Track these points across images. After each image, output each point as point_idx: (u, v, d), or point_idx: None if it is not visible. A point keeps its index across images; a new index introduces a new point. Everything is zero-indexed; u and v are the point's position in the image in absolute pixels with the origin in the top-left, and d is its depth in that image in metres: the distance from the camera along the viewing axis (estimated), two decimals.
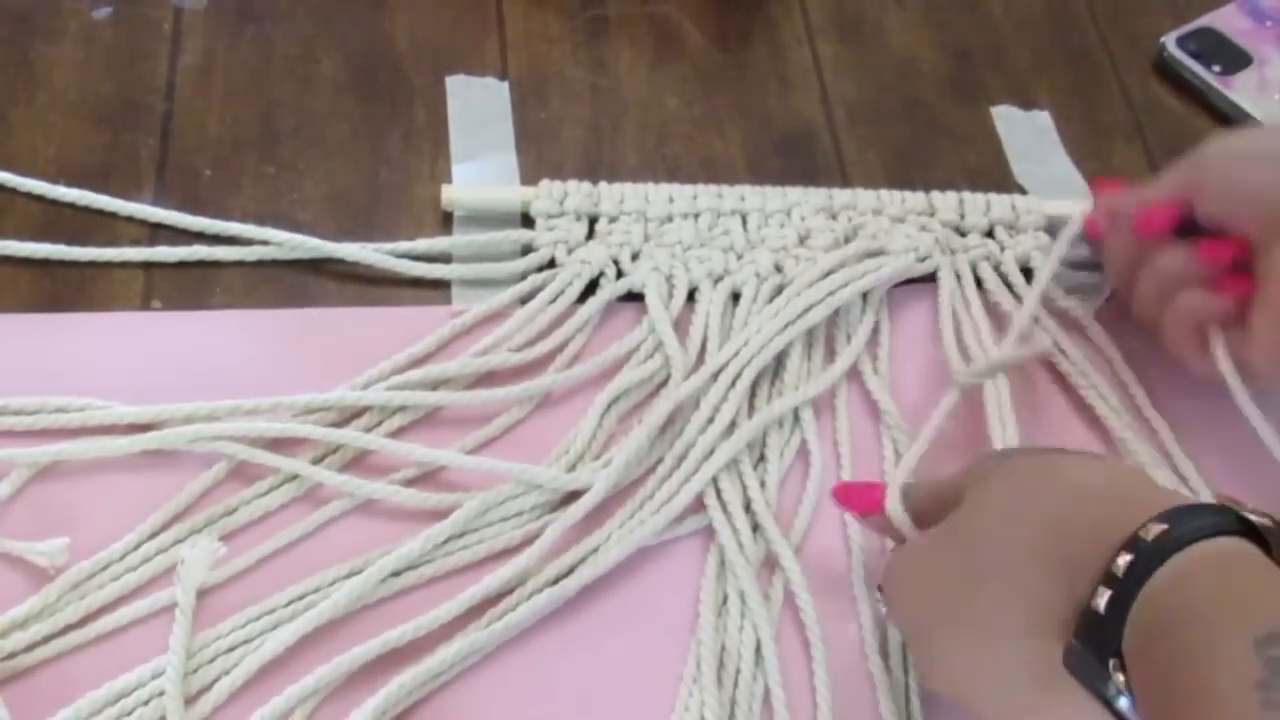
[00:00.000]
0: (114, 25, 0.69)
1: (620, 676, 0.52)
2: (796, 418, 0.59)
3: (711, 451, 0.56)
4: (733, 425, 0.57)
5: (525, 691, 0.51)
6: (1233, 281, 0.56)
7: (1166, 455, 0.60)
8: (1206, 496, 0.58)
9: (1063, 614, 0.42)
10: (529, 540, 0.54)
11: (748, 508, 0.56)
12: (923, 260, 0.63)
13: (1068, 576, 0.42)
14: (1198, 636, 0.38)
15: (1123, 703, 0.41)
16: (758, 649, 0.52)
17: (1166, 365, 0.60)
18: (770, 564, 0.55)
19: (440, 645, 0.50)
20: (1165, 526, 0.41)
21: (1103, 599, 0.41)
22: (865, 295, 0.63)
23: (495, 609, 0.52)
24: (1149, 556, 0.40)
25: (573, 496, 0.55)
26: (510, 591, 0.52)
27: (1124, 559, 0.41)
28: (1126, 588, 0.40)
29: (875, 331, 0.62)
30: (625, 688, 0.51)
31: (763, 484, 0.57)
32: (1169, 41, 0.75)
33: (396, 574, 0.52)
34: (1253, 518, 0.42)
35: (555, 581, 0.53)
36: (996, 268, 0.65)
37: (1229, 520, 0.41)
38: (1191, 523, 0.41)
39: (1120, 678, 0.40)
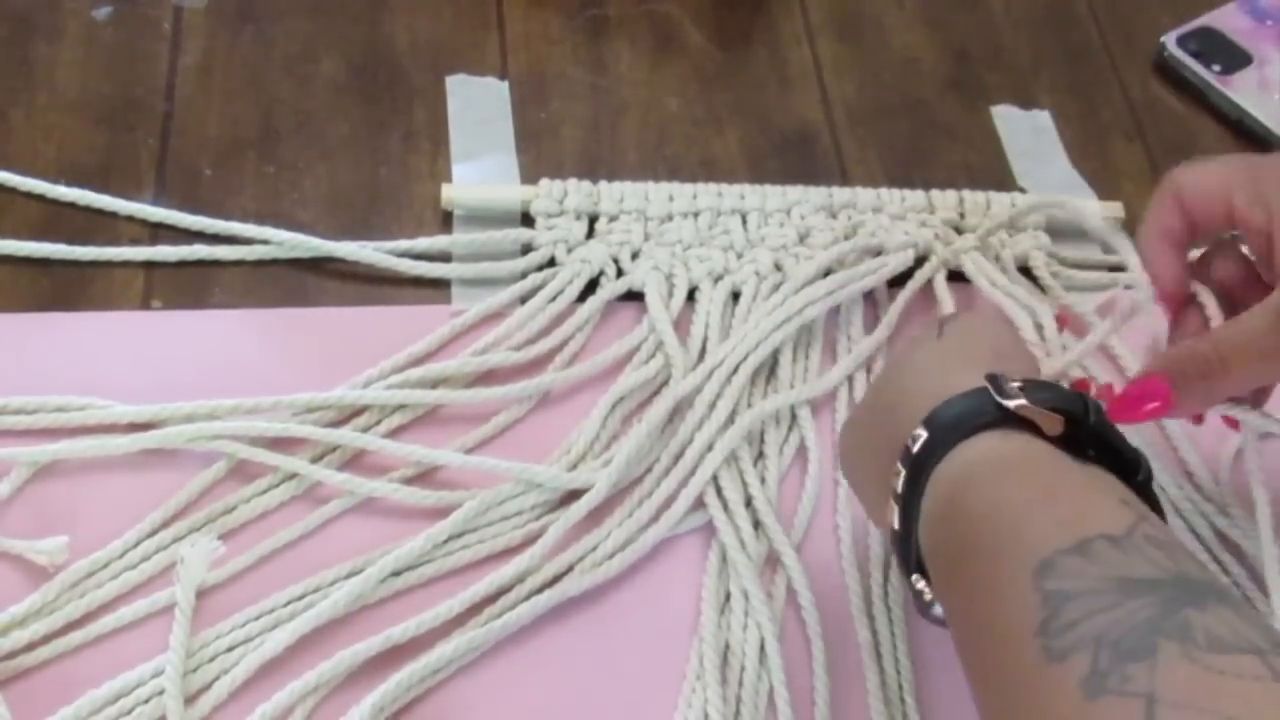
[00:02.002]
0: (114, 25, 0.69)
1: (622, 675, 0.52)
2: (794, 416, 0.59)
3: (710, 447, 0.56)
4: (730, 420, 0.57)
5: (527, 690, 0.51)
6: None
7: (1174, 451, 0.60)
8: (1219, 504, 0.58)
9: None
10: (529, 540, 0.54)
11: (748, 504, 0.56)
12: (923, 258, 0.63)
13: (880, 480, 0.43)
14: (983, 570, 0.37)
15: (936, 611, 0.41)
16: (761, 647, 0.52)
17: None
18: (772, 562, 0.55)
19: (441, 643, 0.50)
20: (925, 434, 0.40)
21: (894, 516, 0.41)
22: (866, 295, 0.63)
23: (494, 607, 0.52)
24: (916, 470, 0.40)
25: (573, 496, 0.55)
26: (511, 589, 0.52)
27: (900, 476, 0.41)
28: (907, 506, 0.40)
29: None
30: (627, 686, 0.51)
31: (763, 481, 0.57)
32: (1169, 41, 0.75)
33: (397, 573, 0.52)
34: (1008, 403, 0.40)
35: (555, 581, 0.53)
36: (995, 258, 0.65)
37: (983, 410, 0.40)
38: (946, 423, 0.40)
39: (925, 590, 0.41)
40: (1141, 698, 0.31)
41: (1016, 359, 0.45)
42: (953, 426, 0.40)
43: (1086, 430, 0.40)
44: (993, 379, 0.41)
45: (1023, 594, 0.35)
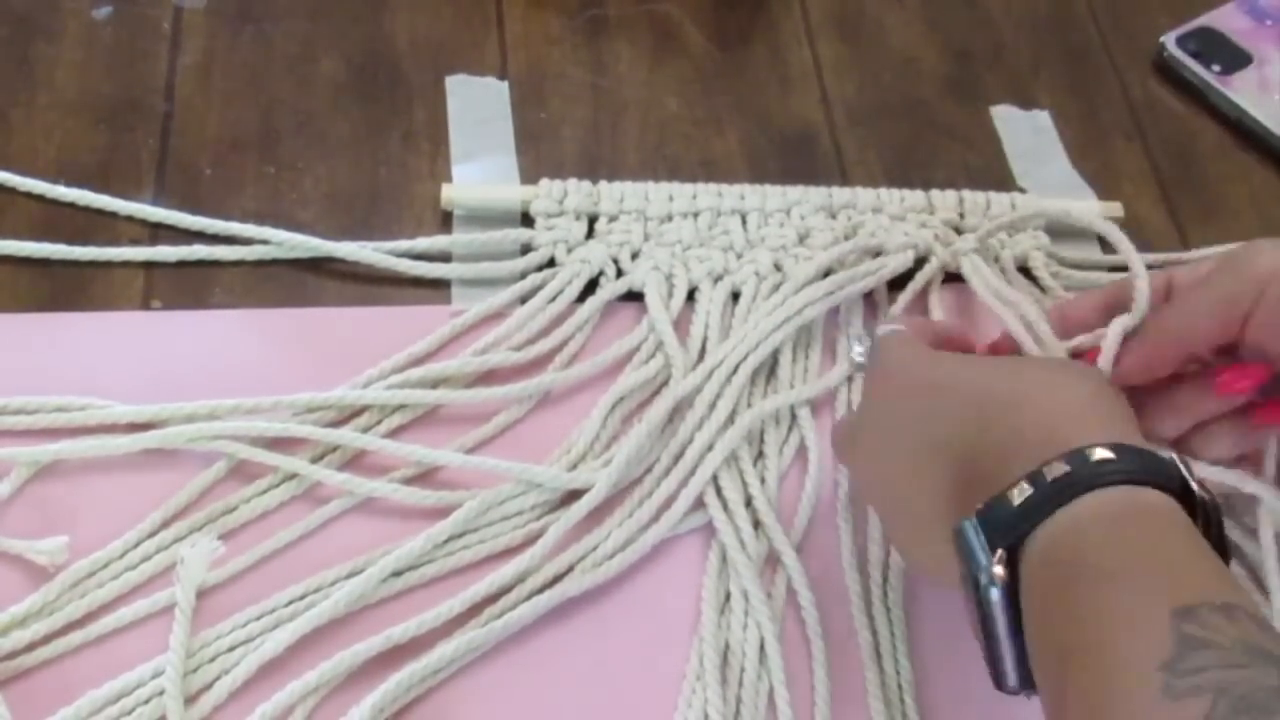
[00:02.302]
0: (114, 25, 0.69)
1: (621, 674, 0.52)
2: (794, 416, 0.59)
3: (710, 447, 0.56)
4: (730, 420, 0.57)
5: (527, 690, 0.51)
6: (1265, 410, 0.49)
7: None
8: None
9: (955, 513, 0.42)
10: (530, 540, 0.54)
11: (748, 504, 0.56)
12: (923, 259, 0.63)
13: (1000, 456, 0.42)
14: (1117, 598, 0.37)
15: (993, 594, 0.40)
16: (761, 647, 0.52)
17: None
18: (771, 562, 0.55)
19: (442, 642, 0.50)
20: (1110, 456, 0.40)
21: (1020, 493, 0.40)
22: (866, 295, 0.63)
23: (494, 607, 0.52)
24: (1077, 482, 0.39)
25: (573, 496, 0.55)
26: (511, 589, 0.52)
27: (1062, 469, 0.40)
28: (1047, 499, 0.40)
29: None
30: (626, 685, 0.51)
31: (763, 481, 0.57)
32: (1169, 41, 0.75)
33: (397, 574, 0.52)
34: (1194, 486, 0.40)
35: (555, 580, 0.53)
36: (995, 259, 0.65)
37: (1167, 477, 0.40)
38: (1128, 465, 0.40)
39: (998, 569, 0.40)
40: None
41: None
42: (1133, 462, 0.40)
43: (1213, 532, 0.41)
44: (1180, 455, 0.41)
45: (1158, 629, 0.35)
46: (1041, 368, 0.48)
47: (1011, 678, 0.41)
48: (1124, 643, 0.36)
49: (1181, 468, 0.41)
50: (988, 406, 0.44)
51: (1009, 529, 0.40)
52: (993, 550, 0.40)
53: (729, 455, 0.56)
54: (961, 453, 0.44)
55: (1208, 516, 0.41)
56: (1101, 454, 0.40)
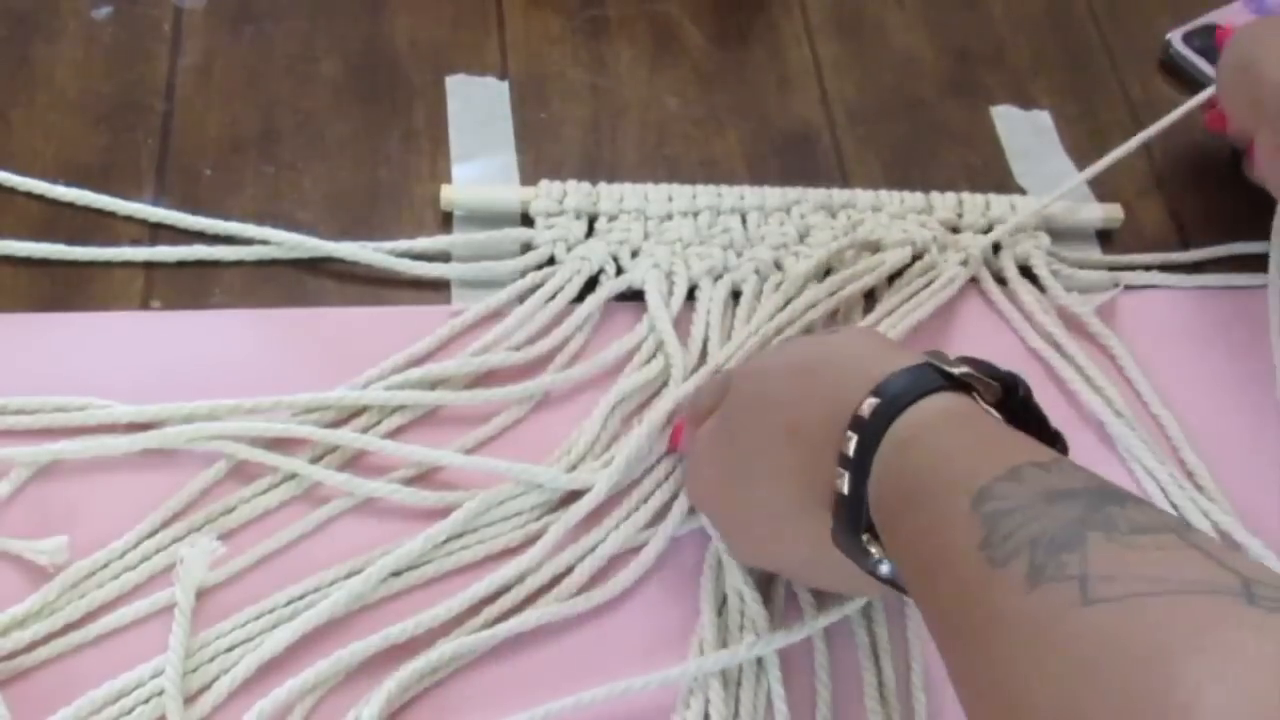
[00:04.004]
0: (114, 25, 0.69)
1: (621, 674, 0.51)
2: None
3: None
4: None
5: (526, 690, 0.51)
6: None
7: (1174, 451, 0.60)
8: (1221, 503, 0.58)
9: (822, 489, 0.45)
10: (529, 540, 0.54)
11: None
12: (919, 256, 0.63)
13: (814, 456, 0.45)
14: (928, 508, 0.40)
15: (884, 569, 0.44)
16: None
17: (1177, 362, 0.60)
18: None
19: (440, 642, 0.50)
20: (876, 400, 0.43)
21: (843, 481, 0.44)
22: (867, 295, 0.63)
23: (493, 607, 0.52)
24: (870, 434, 0.43)
25: (573, 496, 0.55)
26: (511, 589, 0.52)
27: (851, 441, 0.43)
28: (859, 467, 0.43)
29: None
30: (627, 686, 0.51)
31: None
32: (1174, 38, 0.75)
33: (397, 574, 0.52)
34: (953, 370, 0.44)
35: (556, 581, 0.53)
36: (996, 252, 0.65)
37: (930, 378, 0.44)
38: (897, 390, 0.43)
39: (875, 550, 0.44)
40: (1075, 579, 0.34)
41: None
42: (903, 392, 0.43)
43: (1016, 400, 0.45)
44: (935, 354, 0.45)
45: (964, 520, 0.38)
46: (807, 345, 0.51)
47: None
48: (944, 545, 0.39)
49: (933, 361, 0.44)
50: (794, 381, 0.48)
51: (857, 502, 0.43)
52: (859, 534, 0.44)
53: None
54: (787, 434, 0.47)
55: (984, 384, 0.44)
56: (870, 403, 0.43)
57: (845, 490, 0.43)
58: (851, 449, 0.43)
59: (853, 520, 0.44)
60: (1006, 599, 0.35)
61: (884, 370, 0.44)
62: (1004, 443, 0.41)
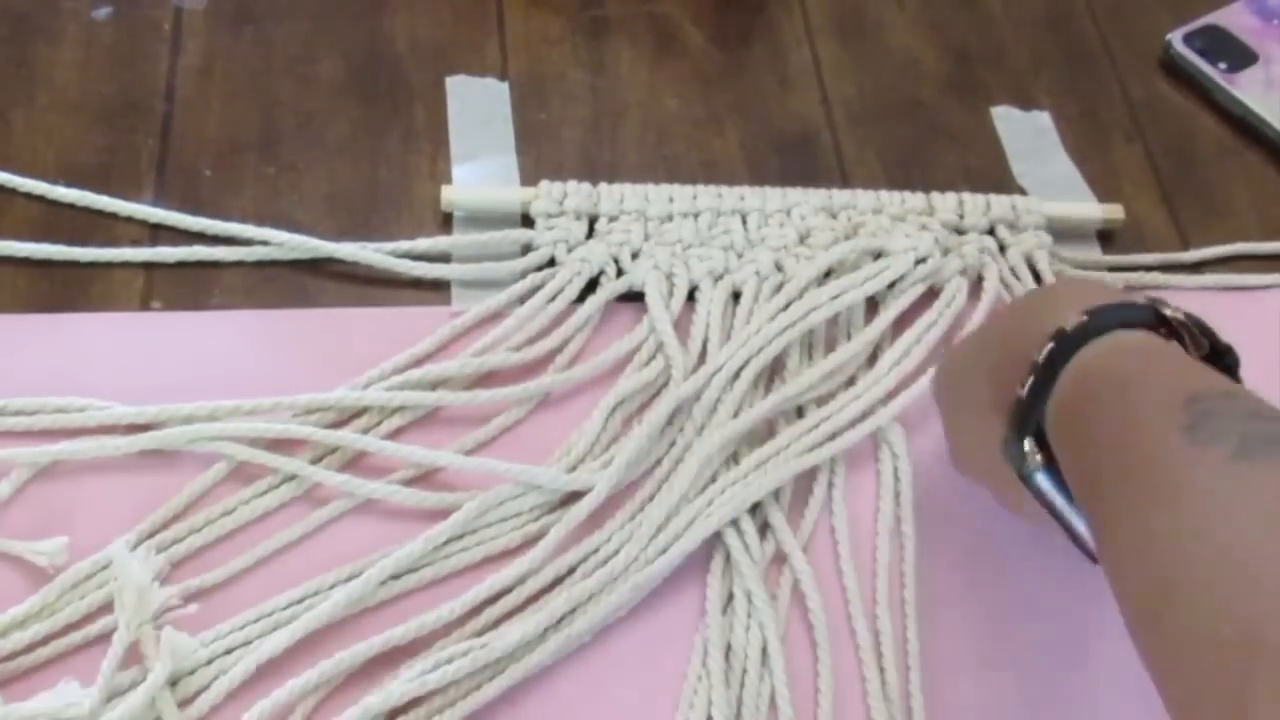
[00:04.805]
0: (114, 25, 0.69)
1: (623, 675, 0.52)
2: (801, 415, 0.59)
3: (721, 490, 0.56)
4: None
5: (528, 690, 0.51)
6: None
7: None
8: None
9: (1008, 396, 0.46)
10: (529, 541, 0.54)
11: (754, 509, 0.56)
12: (922, 260, 0.63)
13: (1015, 363, 0.46)
14: (1133, 396, 0.41)
15: (1039, 479, 0.45)
16: (763, 649, 0.52)
17: None
18: (776, 563, 0.55)
19: (441, 643, 0.50)
20: (1084, 318, 0.44)
21: (1025, 385, 0.45)
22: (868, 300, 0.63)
23: (494, 608, 0.52)
24: (1068, 342, 0.44)
25: (573, 497, 0.55)
26: (511, 591, 0.52)
27: (1046, 348, 0.44)
28: (1047, 371, 0.44)
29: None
30: (628, 686, 0.51)
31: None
32: (1175, 39, 0.75)
33: (396, 576, 0.52)
34: (1169, 313, 0.45)
35: (556, 583, 0.53)
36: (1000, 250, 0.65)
37: (1146, 314, 0.45)
38: (1109, 315, 0.44)
39: (1037, 456, 0.45)
40: None
41: None
42: (1110, 316, 0.44)
43: (1221, 366, 0.44)
44: (1152, 299, 0.46)
45: (1171, 411, 0.39)
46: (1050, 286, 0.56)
47: (1092, 544, 0.44)
48: (1144, 427, 0.39)
49: (1155, 304, 0.45)
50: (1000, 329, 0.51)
51: (1033, 406, 0.44)
52: (1023, 439, 0.45)
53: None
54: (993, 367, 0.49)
55: (1196, 338, 0.45)
56: (1077, 319, 0.44)
57: (1024, 393, 0.44)
58: (1043, 354, 0.44)
59: (1022, 423, 0.44)
60: (1211, 468, 0.36)
61: (1100, 301, 0.45)
62: (1214, 373, 0.42)
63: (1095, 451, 0.42)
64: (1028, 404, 0.45)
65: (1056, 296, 0.49)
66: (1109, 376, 0.43)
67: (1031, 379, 0.44)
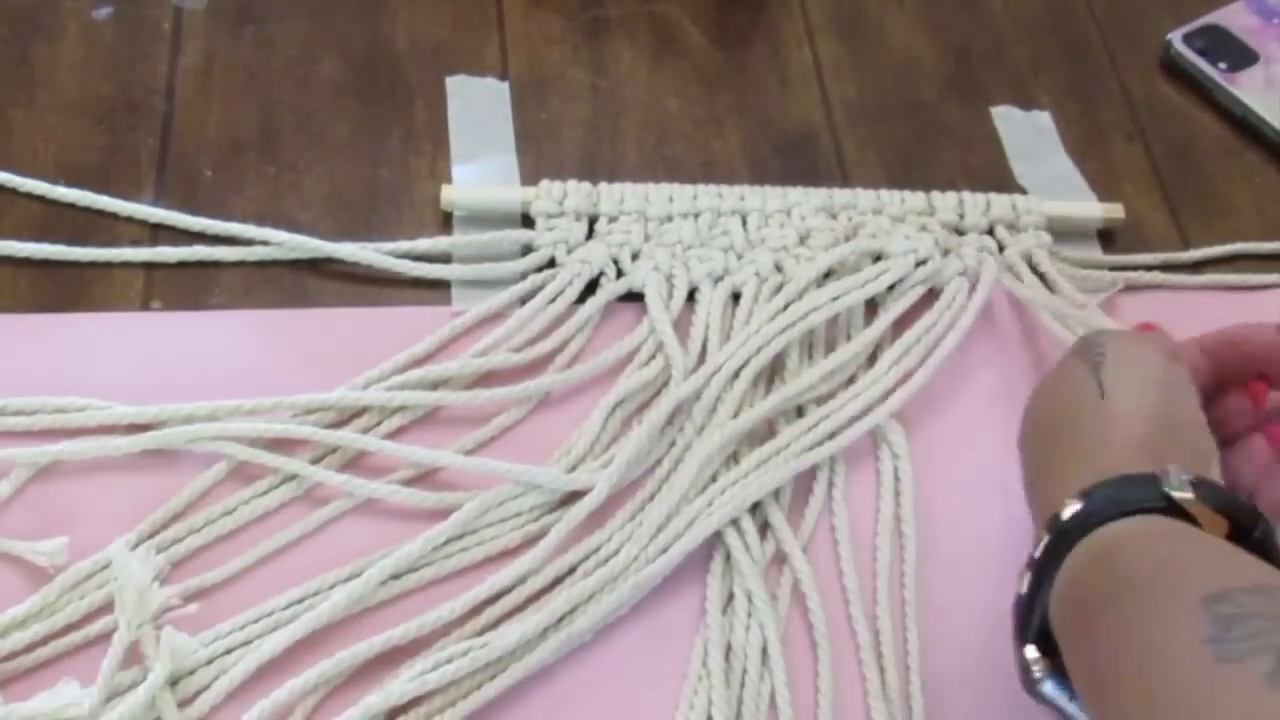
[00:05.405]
0: (114, 25, 0.69)
1: (623, 674, 0.52)
2: (801, 415, 0.59)
3: (721, 489, 0.56)
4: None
5: (528, 690, 0.51)
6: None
7: None
8: None
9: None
10: (529, 541, 0.54)
11: (754, 507, 0.56)
12: (922, 262, 0.63)
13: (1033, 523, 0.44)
14: (1144, 602, 0.37)
15: (1047, 688, 0.42)
16: (763, 649, 0.52)
17: None
18: (776, 563, 0.55)
19: (441, 643, 0.50)
20: (1080, 507, 0.41)
21: (1023, 582, 0.42)
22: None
23: (494, 608, 0.52)
24: (1064, 538, 0.41)
25: (573, 497, 0.55)
26: (511, 591, 0.52)
27: (1043, 542, 0.41)
28: (1044, 569, 0.41)
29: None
30: (629, 686, 0.51)
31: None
32: (1175, 38, 0.75)
33: (396, 576, 0.52)
34: (1175, 494, 0.41)
35: (556, 583, 0.53)
36: (1000, 250, 0.65)
37: (1146, 496, 0.41)
38: (1106, 502, 0.41)
39: (1040, 665, 0.41)
40: None
41: (1187, 430, 0.45)
42: (1111, 503, 0.41)
43: (1250, 541, 0.41)
44: (1163, 471, 0.41)
45: (1191, 615, 0.35)
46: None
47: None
48: (1159, 634, 0.36)
49: (1163, 484, 0.41)
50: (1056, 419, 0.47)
51: (1034, 604, 0.42)
52: (1025, 645, 0.42)
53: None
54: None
55: (1212, 518, 0.41)
56: (1074, 507, 0.41)
57: (1024, 590, 0.42)
58: (1039, 550, 0.41)
59: (1019, 626, 0.42)
60: (1242, 692, 0.33)
61: (1105, 468, 0.41)
62: (1239, 558, 0.38)
63: (1107, 655, 0.38)
64: (1028, 603, 0.42)
65: (1075, 437, 0.45)
66: (1113, 572, 0.39)
67: (1029, 576, 0.42)
